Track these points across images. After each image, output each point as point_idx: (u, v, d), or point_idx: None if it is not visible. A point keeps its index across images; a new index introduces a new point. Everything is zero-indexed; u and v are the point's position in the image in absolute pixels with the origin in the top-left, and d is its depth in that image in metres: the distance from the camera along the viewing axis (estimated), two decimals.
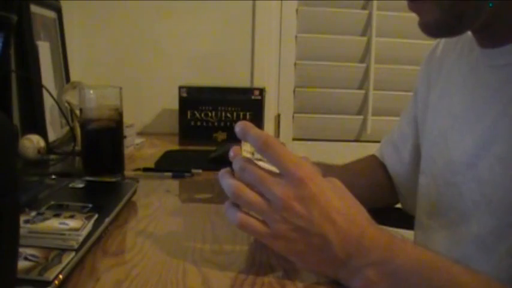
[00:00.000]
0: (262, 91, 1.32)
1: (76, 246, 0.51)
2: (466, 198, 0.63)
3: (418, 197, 0.76)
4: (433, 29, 0.59)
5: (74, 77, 1.31)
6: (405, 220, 0.86)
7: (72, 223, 0.54)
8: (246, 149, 0.52)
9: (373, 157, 0.91)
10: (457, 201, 0.65)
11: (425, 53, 0.82)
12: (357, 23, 1.53)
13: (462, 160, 0.64)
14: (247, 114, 1.32)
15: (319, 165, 0.81)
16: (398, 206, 0.90)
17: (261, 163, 0.50)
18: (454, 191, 0.65)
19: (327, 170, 0.83)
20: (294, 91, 1.55)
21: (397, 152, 0.85)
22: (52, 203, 0.62)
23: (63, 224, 0.54)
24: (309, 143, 1.56)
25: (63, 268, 0.46)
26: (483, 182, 0.60)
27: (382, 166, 0.88)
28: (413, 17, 0.60)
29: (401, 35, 1.51)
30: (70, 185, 0.74)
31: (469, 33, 0.67)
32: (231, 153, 0.53)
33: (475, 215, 0.61)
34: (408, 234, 0.83)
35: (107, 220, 0.60)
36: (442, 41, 0.77)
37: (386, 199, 0.89)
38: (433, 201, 0.71)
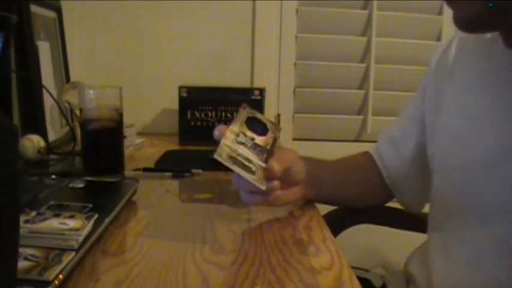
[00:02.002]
0: (262, 91, 1.32)
1: (76, 246, 0.51)
2: (486, 199, 0.62)
3: (432, 199, 0.76)
4: (465, 24, 0.60)
5: (74, 77, 1.31)
6: (414, 222, 0.87)
7: (72, 223, 0.54)
8: (233, 129, 0.53)
9: (366, 154, 0.90)
10: (476, 202, 0.64)
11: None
12: (357, 23, 1.53)
13: (484, 161, 0.63)
14: None
15: (310, 160, 0.80)
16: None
17: (242, 147, 0.52)
18: (473, 192, 0.65)
19: (319, 165, 0.83)
20: (294, 91, 1.55)
21: (396, 149, 0.85)
22: (52, 203, 0.62)
23: (63, 224, 0.54)
24: (309, 143, 1.56)
25: (63, 268, 0.46)
26: (507, 182, 0.60)
27: (376, 163, 0.88)
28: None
29: (401, 35, 1.50)
30: (70, 185, 0.74)
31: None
32: (216, 133, 0.53)
33: (496, 215, 0.61)
34: (418, 236, 0.83)
35: (107, 220, 0.60)
36: (455, 41, 0.76)
37: (379, 196, 0.88)
38: (449, 202, 0.70)
